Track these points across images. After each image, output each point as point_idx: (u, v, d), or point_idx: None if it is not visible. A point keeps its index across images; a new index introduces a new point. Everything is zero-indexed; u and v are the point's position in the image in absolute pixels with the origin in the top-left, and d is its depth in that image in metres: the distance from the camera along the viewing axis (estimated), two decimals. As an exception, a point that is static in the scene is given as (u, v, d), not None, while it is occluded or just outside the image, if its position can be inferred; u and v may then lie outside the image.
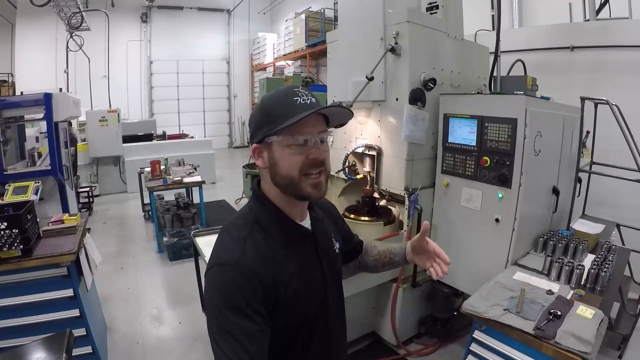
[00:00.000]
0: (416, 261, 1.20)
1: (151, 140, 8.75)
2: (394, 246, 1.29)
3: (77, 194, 5.88)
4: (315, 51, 10.20)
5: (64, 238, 2.48)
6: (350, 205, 3.09)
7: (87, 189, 6.85)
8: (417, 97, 2.49)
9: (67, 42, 8.41)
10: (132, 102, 12.86)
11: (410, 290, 2.78)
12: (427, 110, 2.53)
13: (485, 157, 2.36)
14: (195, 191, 5.73)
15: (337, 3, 9.33)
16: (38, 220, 2.51)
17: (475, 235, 2.50)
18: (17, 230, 2.15)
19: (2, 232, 2.13)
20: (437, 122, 2.66)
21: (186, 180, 5.20)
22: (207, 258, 2.43)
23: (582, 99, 2.87)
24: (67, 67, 8.65)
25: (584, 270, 2.01)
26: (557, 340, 1.54)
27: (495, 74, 2.85)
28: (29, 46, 10.88)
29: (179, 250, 4.61)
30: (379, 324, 2.93)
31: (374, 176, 2.85)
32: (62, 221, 2.65)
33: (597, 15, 4.16)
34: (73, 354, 1.56)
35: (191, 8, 13.88)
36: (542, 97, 2.73)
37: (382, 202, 3.06)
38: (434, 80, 2.52)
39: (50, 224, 2.61)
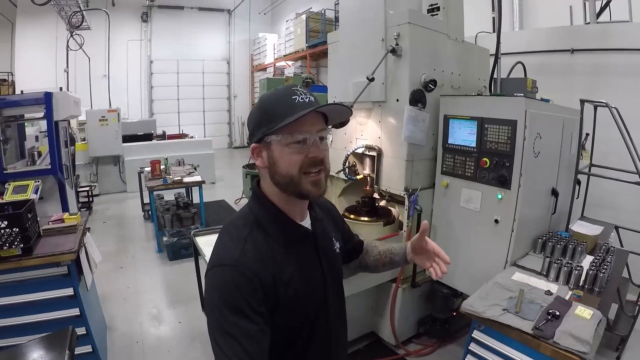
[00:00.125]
0: (416, 261, 1.21)
1: (151, 140, 8.75)
2: (395, 246, 1.30)
3: (77, 193, 5.88)
4: (315, 52, 10.21)
5: (64, 237, 2.48)
6: (350, 206, 3.10)
7: (87, 189, 6.85)
8: (417, 98, 2.50)
9: (68, 41, 8.40)
10: (132, 101, 12.86)
11: (410, 291, 2.79)
12: (428, 112, 2.54)
13: (485, 159, 2.37)
14: (195, 191, 5.74)
15: (337, 4, 9.39)
16: (38, 219, 2.52)
17: (475, 236, 2.51)
18: (17, 229, 2.15)
19: (2, 231, 2.12)
20: (437, 123, 2.67)
21: (186, 180, 5.21)
22: (207, 258, 2.44)
23: (582, 102, 2.88)
24: (67, 66, 8.65)
25: (582, 271, 2.02)
26: (555, 340, 1.55)
27: (495, 75, 2.86)
28: (29, 45, 10.87)
29: (179, 249, 4.61)
30: (378, 324, 2.94)
31: (374, 177, 2.86)
32: (62, 220, 2.65)
33: (597, 18, 4.18)
34: (73, 353, 1.57)
35: (192, 8, 13.89)
36: (541, 99, 2.74)
37: (382, 203, 3.07)
38: (434, 82, 2.53)
39: (50, 222, 2.61)
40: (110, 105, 8.67)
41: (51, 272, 2.28)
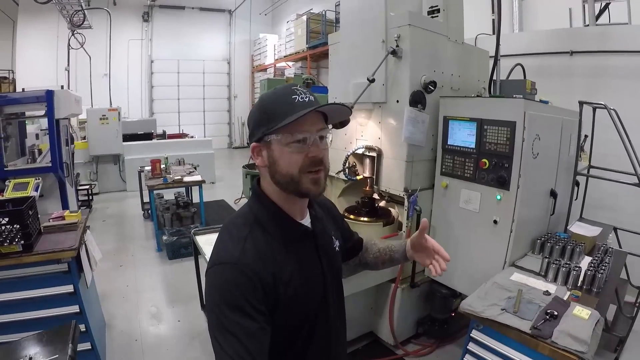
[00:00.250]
0: (416, 258, 1.21)
1: (151, 139, 8.75)
2: (394, 244, 1.30)
3: (77, 191, 5.88)
4: (316, 53, 10.24)
5: (64, 234, 2.49)
6: (349, 206, 3.11)
7: (87, 187, 6.86)
8: (417, 100, 2.51)
9: (69, 40, 8.42)
10: (133, 100, 12.86)
11: (409, 291, 2.80)
12: (427, 113, 2.56)
13: (484, 160, 2.38)
14: (195, 190, 5.75)
15: (338, 5, 9.41)
16: (39, 216, 2.53)
17: (474, 236, 2.52)
18: (18, 226, 2.16)
19: (3, 227, 2.13)
20: (437, 125, 2.68)
21: (186, 179, 5.22)
22: (207, 257, 2.45)
23: (581, 103, 2.90)
24: (68, 65, 8.66)
25: (580, 271, 2.03)
26: (553, 340, 1.56)
27: (494, 77, 2.88)
28: (30, 43, 10.88)
29: (178, 248, 4.62)
30: (377, 324, 2.94)
31: (374, 177, 2.87)
32: (63, 217, 2.66)
33: (596, 20, 4.20)
34: (72, 350, 1.57)
35: (193, 8, 13.91)
36: (540, 101, 2.75)
37: (382, 203, 3.08)
38: (434, 83, 2.54)
39: (51, 220, 2.62)
40: (110, 104, 8.68)
41: (51, 269, 2.29)
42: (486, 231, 2.43)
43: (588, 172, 3.32)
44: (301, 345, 1.01)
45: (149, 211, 5.89)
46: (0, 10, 10.45)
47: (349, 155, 2.89)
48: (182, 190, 6.02)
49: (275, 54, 13.00)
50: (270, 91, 0.98)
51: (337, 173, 2.97)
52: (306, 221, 1.06)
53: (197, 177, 5.32)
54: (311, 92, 0.96)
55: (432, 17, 2.81)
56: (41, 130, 5.68)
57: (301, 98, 0.92)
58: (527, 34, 4.95)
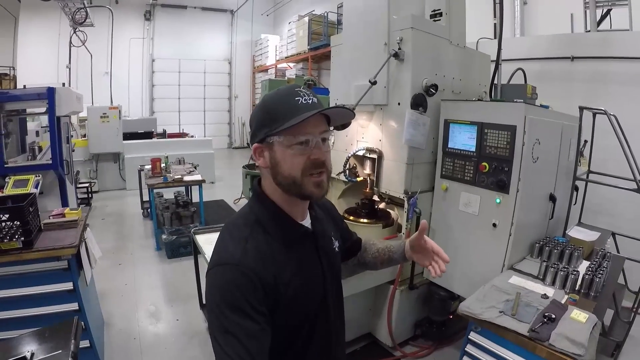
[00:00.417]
0: (415, 259, 1.22)
1: (151, 138, 8.76)
2: (393, 244, 1.30)
3: (76, 189, 5.89)
4: (317, 54, 10.26)
5: (64, 232, 2.49)
6: (349, 207, 3.12)
7: (86, 185, 6.86)
8: (418, 102, 2.53)
9: (71, 38, 8.42)
10: (133, 99, 12.86)
11: (407, 293, 2.80)
12: (428, 116, 2.57)
13: (484, 163, 2.39)
14: (195, 190, 5.75)
15: (340, 7, 9.43)
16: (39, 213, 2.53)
17: (473, 239, 2.53)
18: (18, 222, 2.17)
19: (3, 224, 2.14)
20: (438, 127, 2.69)
21: (186, 178, 5.22)
22: (207, 256, 2.46)
23: (581, 109, 2.91)
24: (70, 63, 8.67)
25: (578, 275, 2.04)
26: (551, 343, 1.57)
27: (495, 81, 2.89)
28: (31, 40, 10.89)
29: (178, 248, 4.62)
30: (375, 326, 2.95)
31: (374, 179, 2.88)
32: (63, 215, 2.66)
33: (598, 26, 4.23)
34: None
35: (195, 7, 13.93)
36: (541, 106, 2.77)
37: (382, 205, 3.09)
38: (435, 86, 2.56)
39: (51, 217, 2.62)
40: (111, 102, 8.69)
41: (51, 266, 2.29)
42: (485, 234, 2.44)
43: (587, 177, 3.33)
44: (301, 345, 1.01)
45: (149, 210, 5.89)
46: (2, 7, 10.46)
47: (349, 157, 2.91)
48: (182, 189, 6.02)
49: (276, 54, 13.03)
50: (273, 92, 0.97)
51: (337, 174, 2.98)
52: (306, 222, 1.06)
53: (198, 177, 5.32)
54: (314, 94, 0.95)
55: (435, 20, 2.82)
56: (42, 127, 5.70)
57: (304, 100, 0.92)
58: (528, 39, 4.97)
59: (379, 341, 2.94)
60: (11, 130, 4.17)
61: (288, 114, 0.89)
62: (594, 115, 3.18)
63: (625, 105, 3.49)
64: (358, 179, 2.96)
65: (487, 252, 2.44)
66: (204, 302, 0.94)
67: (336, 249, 1.16)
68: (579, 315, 1.73)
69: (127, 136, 8.12)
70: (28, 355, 1.35)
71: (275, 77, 12.19)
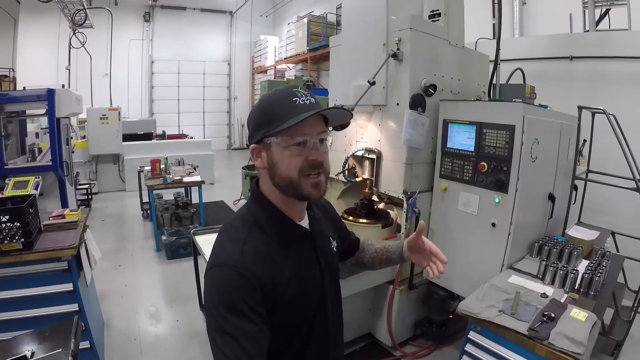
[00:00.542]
0: (413, 260, 1.22)
1: (151, 140, 8.76)
2: (391, 244, 1.31)
3: (76, 190, 5.89)
4: (316, 55, 10.26)
5: (64, 233, 2.49)
6: (348, 208, 3.12)
7: (86, 186, 6.86)
8: (417, 103, 2.53)
9: (70, 39, 8.43)
10: (133, 101, 12.86)
11: (407, 292, 2.81)
12: (427, 116, 2.57)
13: (483, 163, 2.40)
14: (194, 191, 5.75)
15: (339, 8, 9.45)
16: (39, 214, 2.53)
17: (472, 239, 2.53)
18: (18, 224, 2.17)
19: (3, 225, 2.14)
20: (437, 127, 2.70)
21: (186, 179, 5.23)
22: (207, 256, 2.45)
23: (580, 108, 2.92)
24: (69, 64, 8.67)
25: (577, 275, 2.04)
26: (550, 341, 1.57)
27: (494, 81, 2.90)
28: (31, 42, 10.89)
29: (177, 249, 4.62)
30: (375, 326, 2.95)
31: (373, 179, 2.89)
32: (63, 216, 2.66)
33: (597, 26, 4.23)
34: (71, 347, 1.58)
35: (194, 9, 13.94)
36: (540, 105, 2.77)
37: (381, 205, 3.09)
38: (434, 87, 2.56)
39: (51, 218, 2.63)
40: (111, 103, 8.69)
41: (51, 267, 2.29)
42: (484, 234, 2.44)
43: (586, 176, 3.33)
44: (299, 345, 1.01)
45: (148, 211, 5.89)
46: (2, 9, 10.46)
47: (348, 157, 2.91)
48: (182, 190, 6.03)
49: (275, 55, 13.03)
50: (270, 92, 0.97)
51: (336, 175, 2.98)
52: (304, 222, 1.06)
53: (197, 178, 5.33)
54: (312, 94, 0.96)
55: (433, 21, 2.83)
56: (41, 128, 5.70)
57: (302, 100, 0.92)
58: (527, 39, 4.98)
59: (378, 341, 2.94)
60: (11, 131, 4.18)
61: (285, 114, 0.89)
62: (593, 114, 3.19)
63: (624, 104, 3.50)
64: (357, 180, 2.96)
65: (487, 252, 2.44)
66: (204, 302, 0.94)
67: (334, 248, 1.16)
68: (578, 314, 1.73)
69: (127, 137, 8.12)
70: (28, 354, 1.35)
71: (275, 78, 12.20)
